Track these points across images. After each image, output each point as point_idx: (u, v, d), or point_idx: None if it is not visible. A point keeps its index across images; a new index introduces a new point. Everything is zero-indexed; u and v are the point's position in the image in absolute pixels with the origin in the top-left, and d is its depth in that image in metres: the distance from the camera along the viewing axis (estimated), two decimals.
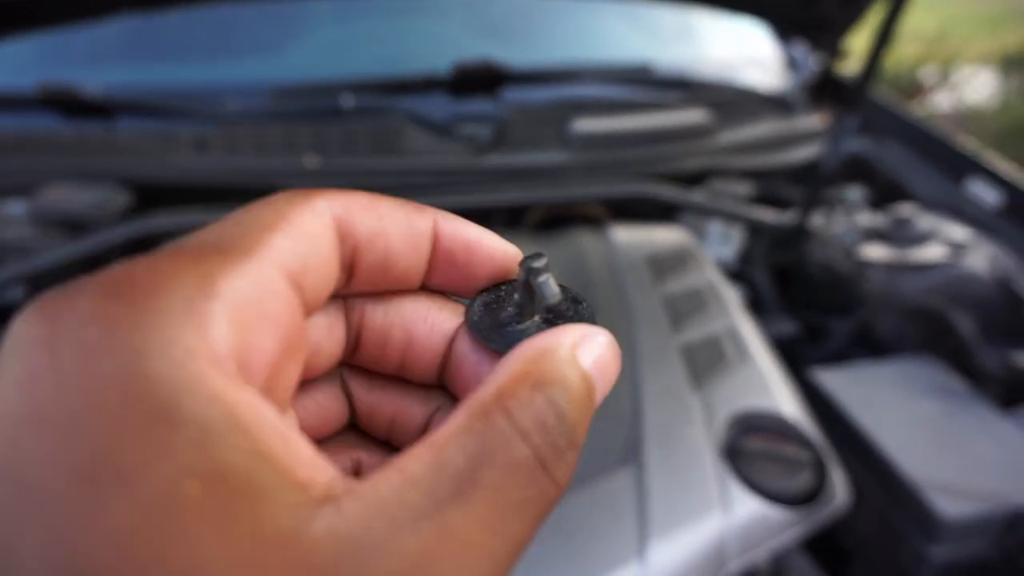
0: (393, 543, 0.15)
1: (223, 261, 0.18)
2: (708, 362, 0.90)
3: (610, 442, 0.79)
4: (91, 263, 1.12)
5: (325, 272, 0.22)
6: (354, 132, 1.36)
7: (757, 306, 1.35)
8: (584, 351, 0.21)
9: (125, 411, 0.15)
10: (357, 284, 0.24)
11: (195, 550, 0.14)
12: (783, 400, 0.86)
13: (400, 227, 0.23)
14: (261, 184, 1.28)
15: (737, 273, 1.39)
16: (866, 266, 1.22)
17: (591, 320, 0.25)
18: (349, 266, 0.23)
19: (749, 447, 0.80)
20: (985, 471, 0.91)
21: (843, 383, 1.06)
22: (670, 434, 0.80)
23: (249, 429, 0.16)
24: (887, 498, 0.93)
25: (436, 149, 1.38)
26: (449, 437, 0.18)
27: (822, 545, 1.07)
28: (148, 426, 0.15)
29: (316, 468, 0.17)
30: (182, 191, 1.26)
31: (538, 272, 0.23)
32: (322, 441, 0.25)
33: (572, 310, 0.25)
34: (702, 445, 0.79)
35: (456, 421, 0.19)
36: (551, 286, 0.24)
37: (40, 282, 1.10)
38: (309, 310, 0.21)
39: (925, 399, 1.03)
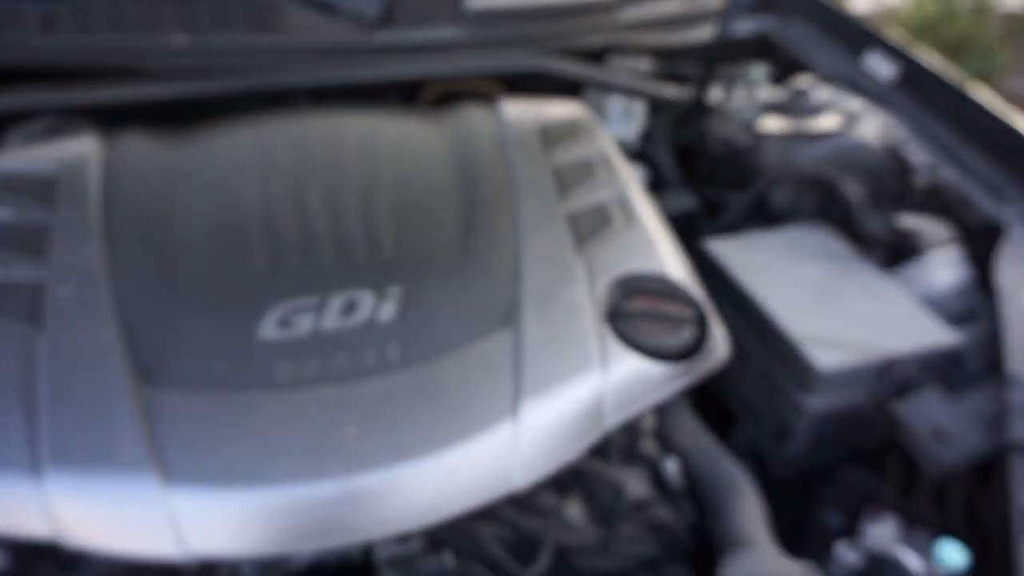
0: None
1: None
2: (594, 227, 0.87)
3: (487, 306, 0.76)
4: None
5: None
6: (226, 7, 1.24)
7: (659, 185, 1.33)
8: None
9: None
10: None
11: None
12: (669, 263, 0.85)
13: None
14: (120, 65, 1.16)
15: (639, 152, 1.36)
16: (763, 138, 1.21)
17: None
18: None
19: (631, 308, 0.79)
20: (862, 326, 0.93)
21: (733, 251, 1.05)
22: (550, 296, 0.78)
23: None
24: (769, 356, 0.94)
25: (319, 26, 1.28)
26: None
27: (711, 410, 1.09)
28: None
29: None
30: (28, 74, 1.14)
31: None
32: None
33: None
34: (583, 306, 0.77)
35: None
36: None
37: None
38: None
39: (812, 263, 1.04)
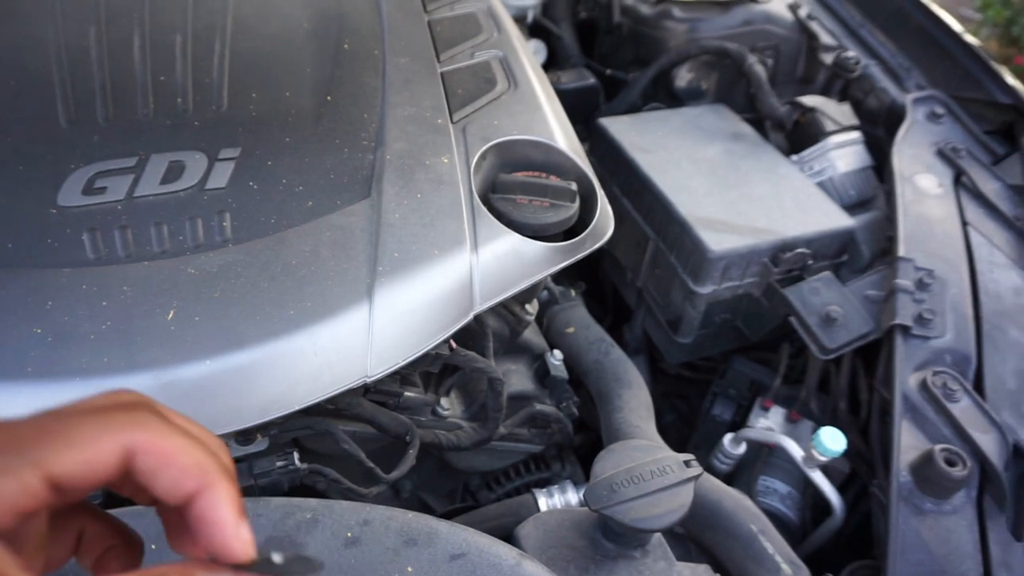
0: None
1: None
2: (473, 91, 0.77)
3: (342, 175, 0.66)
4: None
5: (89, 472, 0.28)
6: None
7: (556, 63, 1.23)
8: None
9: None
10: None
11: None
12: (556, 132, 0.76)
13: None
14: None
15: (536, 26, 1.25)
16: (671, 6, 1.12)
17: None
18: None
19: (509, 180, 0.70)
20: (758, 209, 0.88)
21: (629, 129, 0.98)
22: (417, 166, 0.68)
23: None
24: (663, 240, 0.88)
25: None
26: None
27: (606, 305, 1.04)
28: None
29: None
30: None
31: None
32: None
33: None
34: (454, 178, 0.68)
35: None
36: None
37: None
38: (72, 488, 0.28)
39: (710, 143, 0.97)
